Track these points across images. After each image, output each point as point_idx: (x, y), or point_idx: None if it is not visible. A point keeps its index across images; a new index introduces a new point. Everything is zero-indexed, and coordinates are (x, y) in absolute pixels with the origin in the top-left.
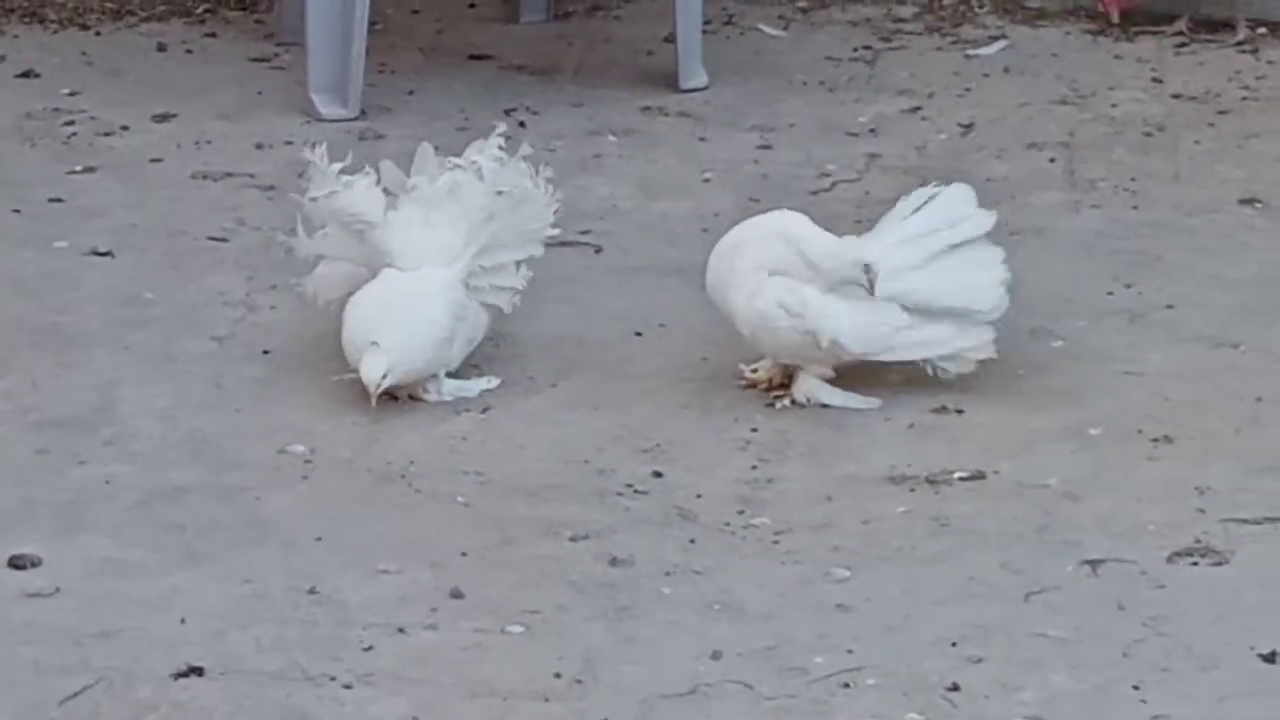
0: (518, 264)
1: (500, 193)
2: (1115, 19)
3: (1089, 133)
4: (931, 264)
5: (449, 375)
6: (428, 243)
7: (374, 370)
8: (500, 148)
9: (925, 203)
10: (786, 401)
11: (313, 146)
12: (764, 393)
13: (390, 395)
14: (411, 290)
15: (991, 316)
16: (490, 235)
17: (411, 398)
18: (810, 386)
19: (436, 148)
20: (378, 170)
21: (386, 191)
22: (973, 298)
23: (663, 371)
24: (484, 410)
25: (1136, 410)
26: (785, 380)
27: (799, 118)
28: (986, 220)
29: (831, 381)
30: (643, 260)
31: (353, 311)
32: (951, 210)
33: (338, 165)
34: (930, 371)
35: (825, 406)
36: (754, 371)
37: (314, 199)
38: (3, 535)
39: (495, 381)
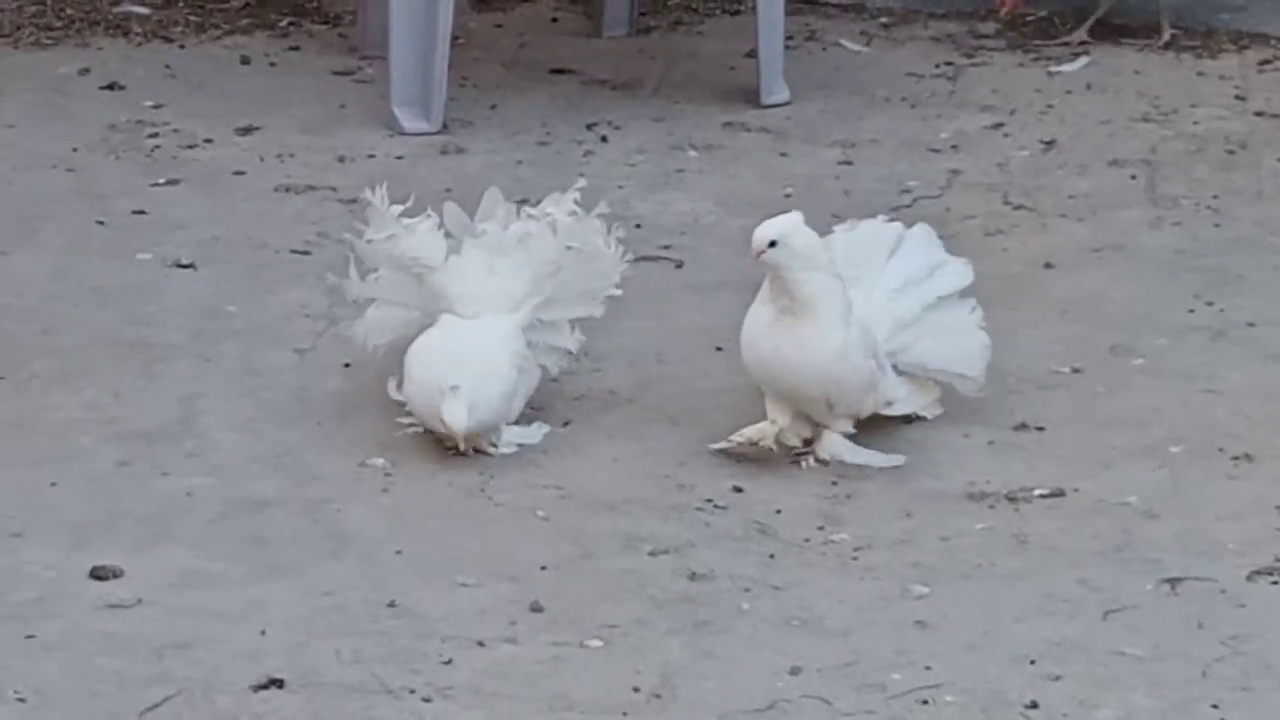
0: (572, 324)
1: (570, 248)
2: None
3: (1171, 150)
4: (923, 320)
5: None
6: (489, 289)
7: (458, 414)
8: (576, 202)
9: (897, 246)
10: (811, 460)
11: (372, 189)
12: (783, 454)
13: (454, 449)
14: (477, 340)
15: (978, 382)
16: (555, 288)
17: (477, 451)
18: (834, 445)
19: (507, 196)
20: (440, 213)
21: (447, 235)
22: (966, 363)
23: (742, 387)
24: (564, 424)
25: (1217, 428)
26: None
27: (880, 133)
28: (966, 272)
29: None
30: (723, 275)
31: (417, 361)
32: (925, 256)
33: (398, 208)
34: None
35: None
36: (754, 445)
37: (370, 241)
38: (85, 546)
39: (546, 428)
